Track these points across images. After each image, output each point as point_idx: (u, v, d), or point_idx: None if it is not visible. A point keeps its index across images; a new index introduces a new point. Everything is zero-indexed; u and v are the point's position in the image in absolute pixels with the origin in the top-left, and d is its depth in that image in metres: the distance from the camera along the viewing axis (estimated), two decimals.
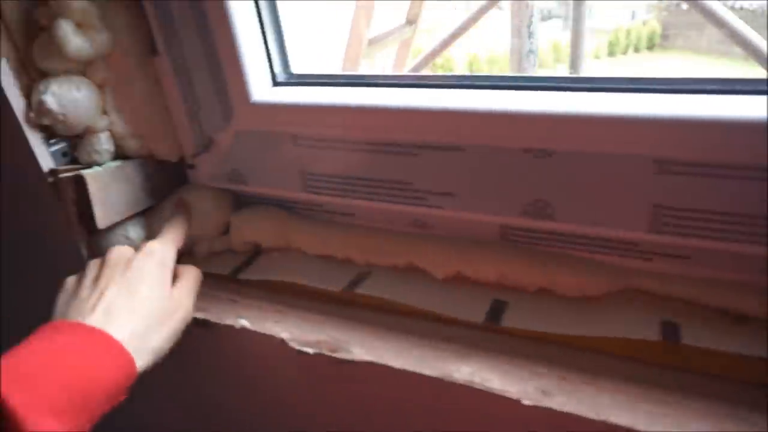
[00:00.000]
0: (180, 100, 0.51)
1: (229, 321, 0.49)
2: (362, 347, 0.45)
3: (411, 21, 1.73)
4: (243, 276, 0.53)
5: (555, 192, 0.41)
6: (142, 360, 0.40)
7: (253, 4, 0.46)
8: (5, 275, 0.63)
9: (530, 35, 1.32)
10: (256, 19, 0.47)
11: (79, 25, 0.45)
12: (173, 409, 0.59)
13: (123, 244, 0.53)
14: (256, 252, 0.56)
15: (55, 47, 0.45)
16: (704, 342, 0.39)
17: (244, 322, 0.49)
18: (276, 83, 0.50)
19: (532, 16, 1.33)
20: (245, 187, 0.54)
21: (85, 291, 0.43)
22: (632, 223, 0.40)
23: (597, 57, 4.71)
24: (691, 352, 0.39)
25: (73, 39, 0.45)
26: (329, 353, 0.45)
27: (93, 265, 0.45)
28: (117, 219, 0.51)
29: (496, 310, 0.46)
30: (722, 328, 0.40)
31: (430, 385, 0.42)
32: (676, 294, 0.43)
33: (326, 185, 0.50)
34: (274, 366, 0.49)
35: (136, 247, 0.46)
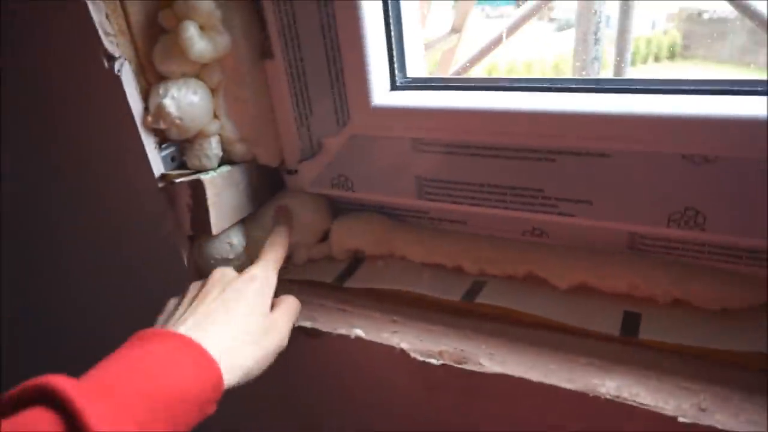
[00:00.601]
0: (291, 104, 0.50)
1: (342, 330, 0.48)
2: (491, 359, 0.43)
3: (456, 29, 1.73)
4: (349, 284, 0.52)
5: (708, 200, 0.40)
6: (231, 375, 0.38)
7: (381, 4, 0.45)
8: (96, 279, 0.61)
9: (596, 42, 1.31)
10: (383, 21, 0.45)
11: (203, 28, 0.44)
12: (278, 422, 0.58)
13: (227, 250, 0.52)
14: (356, 260, 0.55)
15: (178, 49, 0.44)
16: None
17: (359, 332, 0.47)
18: (394, 87, 0.48)
19: (599, 22, 1.32)
20: (351, 194, 0.52)
21: (182, 308, 0.42)
22: None
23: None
24: None
25: (198, 41, 0.44)
26: (456, 365, 0.43)
27: (194, 287, 0.44)
28: (227, 225, 0.50)
29: (631, 322, 0.44)
30: None
31: (571, 401, 0.40)
32: None
33: (444, 192, 0.48)
34: (391, 379, 0.47)
35: (238, 267, 0.45)
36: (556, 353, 0.43)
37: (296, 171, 0.54)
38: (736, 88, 0.39)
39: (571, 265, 0.47)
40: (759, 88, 0.38)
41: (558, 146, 0.42)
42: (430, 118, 0.46)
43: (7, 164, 0.58)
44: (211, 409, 0.37)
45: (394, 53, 0.47)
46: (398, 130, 0.47)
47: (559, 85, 0.44)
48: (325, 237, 0.56)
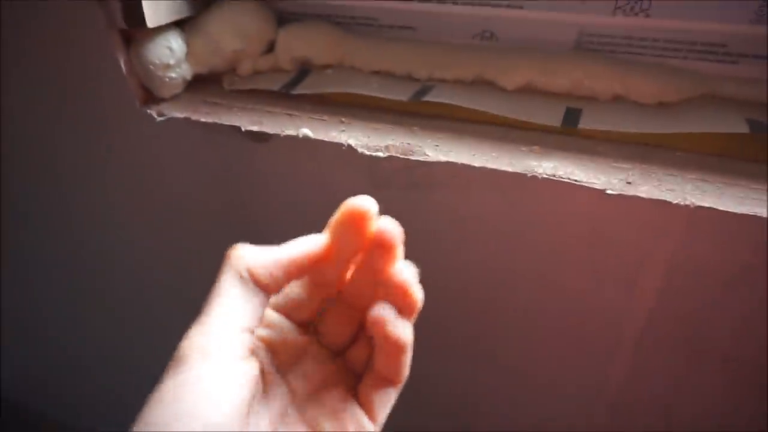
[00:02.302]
0: None
1: (290, 131, 0.47)
2: (436, 150, 0.44)
3: None
4: (297, 91, 0.51)
5: None
6: None
7: None
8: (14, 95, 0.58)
9: None
10: None
11: None
12: (222, 233, 0.58)
13: (167, 55, 0.49)
14: (304, 70, 0.53)
15: None
16: None
17: (307, 132, 0.47)
18: None
19: None
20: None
21: None
22: (736, 14, 0.39)
23: None
24: None
25: None
26: (402, 156, 0.44)
27: None
28: (164, 21, 0.47)
29: (572, 115, 0.45)
30: None
31: (510, 183, 0.42)
32: (760, 98, 0.43)
33: None
34: (339, 177, 0.48)
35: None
36: (500, 143, 0.44)
37: None
38: None
39: (518, 66, 0.47)
40: None
41: None
42: None
43: None
44: None
45: None
46: None
47: None
48: (271, 48, 0.54)
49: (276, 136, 0.47)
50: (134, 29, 0.46)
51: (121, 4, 0.44)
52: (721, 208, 0.37)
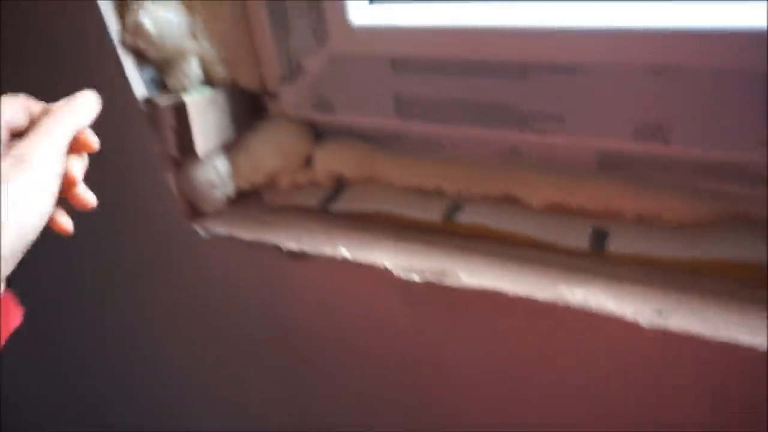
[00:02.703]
0: (268, 22, 0.49)
1: (327, 252, 0.49)
2: (469, 274, 0.46)
3: None
4: (333, 208, 0.53)
5: (672, 112, 0.41)
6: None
7: None
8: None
9: None
10: None
11: None
12: (262, 347, 0.60)
13: (213, 176, 0.52)
14: (340, 184, 0.56)
15: None
16: None
17: (345, 252, 0.49)
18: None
19: None
20: (332, 117, 0.53)
21: None
22: (751, 142, 0.40)
23: None
24: None
25: None
26: (437, 280, 0.46)
27: None
28: (212, 147, 0.50)
29: (599, 237, 0.46)
30: None
31: (543, 311, 0.43)
32: None
33: (422, 110, 0.49)
34: (375, 298, 0.50)
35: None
36: (530, 267, 0.46)
37: (277, 94, 0.54)
38: None
39: (544, 185, 0.49)
40: None
41: (530, 60, 0.43)
42: (408, 36, 0.46)
43: None
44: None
45: None
46: (377, 48, 0.47)
47: None
48: (308, 163, 0.56)
49: (315, 256, 0.50)
50: (185, 157, 0.49)
51: (175, 136, 0.48)
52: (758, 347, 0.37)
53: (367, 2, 0.47)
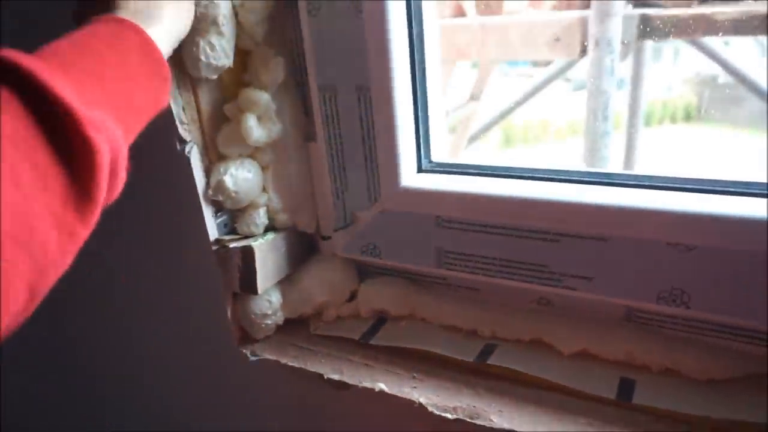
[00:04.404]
0: (329, 181, 0.57)
1: (366, 384, 0.53)
2: (500, 416, 0.49)
3: (475, 97, 1.84)
4: (374, 341, 0.58)
5: (693, 283, 0.45)
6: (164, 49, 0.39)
7: (412, 101, 0.53)
8: (146, 327, 0.68)
9: (605, 119, 1.41)
10: (413, 114, 0.53)
11: (260, 118, 0.52)
12: None
13: (267, 307, 0.58)
14: (380, 319, 0.61)
15: (239, 135, 0.52)
16: None
17: (382, 386, 0.53)
18: (420, 170, 0.56)
19: (608, 100, 1.42)
20: (377, 260, 0.59)
21: None
22: (760, 312, 0.44)
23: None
24: None
25: (257, 130, 0.52)
26: (468, 419, 0.49)
27: None
28: (269, 286, 0.57)
29: (626, 387, 0.49)
30: None
31: None
32: None
33: (461, 263, 0.55)
34: (409, 431, 0.53)
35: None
36: (558, 413, 0.48)
37: (330, 237, 0.61)
38: (719, 189, 0.46)
39: (574, 334, 0.53)
40: (747, 190, 0.45)
41: (563, 230, 0.49)
42: (450, 200, 0.53)
43: None
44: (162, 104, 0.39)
45: (421, 141, 0.55)
46: (423, 208, 0.54)
47: (569, 177, 0.51)
48: (352, 297, 0.62)
49: (354, 386, 0.54)
50: (245, 293, 0.56)
51: (239, 275, 0.54)
52: None
53: (416, 172, 0.55)
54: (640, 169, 0.50)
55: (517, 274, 0.53)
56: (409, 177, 0.55)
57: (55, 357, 0.81)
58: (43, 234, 0.28)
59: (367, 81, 0.52)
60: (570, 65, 1.88)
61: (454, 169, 0.56)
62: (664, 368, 0.50)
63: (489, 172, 0.54)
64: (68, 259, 0.30)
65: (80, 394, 0.83)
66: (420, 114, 0.54)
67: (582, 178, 0.51)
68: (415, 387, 0.53)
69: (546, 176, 0.52)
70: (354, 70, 0.52)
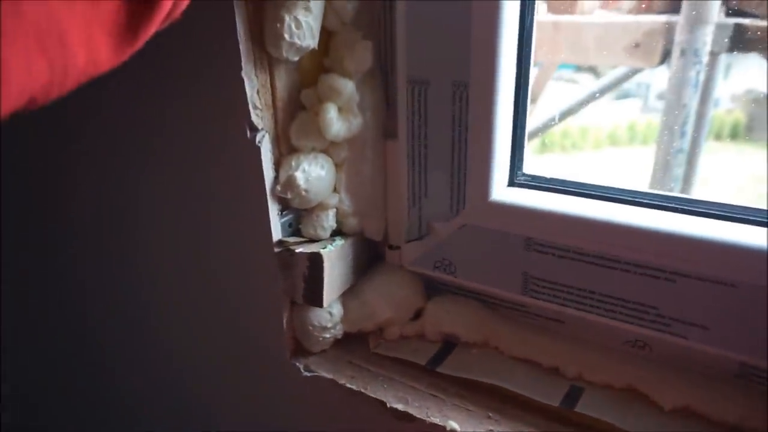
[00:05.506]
0: (407, 184, 0.51)
1: (436, 420, 0.47)
2: None
3: (533, 99, 1.75)
4: (442, 369, 0.52)
5: None
6: None
7: (513, 98, 0.46)
8: (194, 335, 0.63)
9: (682, 135, 1.32)
10: (512, 118, 0.47)
11: (341, 110, 0.46)
12: None
13: (327, 319, 0.53)
14: (447, 343, 0.55)
15: (315, 127, 0.46)
16: None
17: (455, 426, 0.47)
18: (512, 183, 0.49)
19: (687, 116, 1.33)
20: (451, 278, 0.53)
21: None
22: None
23: None
24: None
25: (336, 122, 0.46)
26: None
27: None
28: (334, 298, 0.51)
29: None
30: None
31: None
32: None
33: (550, 292, 0.48)
34: None
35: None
36: None
37: (399, 247, 0.55)
38: None
39: (676, 386, 0.46)
40: None
41: (682, 269, 0.42)
42: (546, 221, 0.46)
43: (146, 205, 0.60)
44: None
45: (516, 151, 0.49)
46: (512, 227, 0.48)
47: (683, 206, 0.44)
48: (417, 315, 0.56)
49: (421, 420, 0.48)
50: (309, 305, 0.50)
51: (304, 285, 0.49)
52: None
53: (506, 185, 0.49)
54: (750, 203, 0.43)
55: (617, 312, 0.46)
56: (500, 190, 0.48)
57: (91, 362, 0.77)
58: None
59: (467, 76, 0.45)
60: (632, 73, 1.78)
61: (551, 185, 0.49)
62: None
63: (590, 192, 0.48)
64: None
65: (112, 399, 0.79)
66: (519, 119, 0.48)
67: (707, 210, 0.44)
68: (491, 429, 0.47)
69: (662, 204, 0.44)
70: (452, 63, 0.45)
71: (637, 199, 0.46)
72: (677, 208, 0.44)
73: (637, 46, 1.37)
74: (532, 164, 0.51)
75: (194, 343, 0.63)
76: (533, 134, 2.09)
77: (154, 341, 0.68)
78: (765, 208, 0.42)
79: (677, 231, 0.42)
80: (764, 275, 0.39)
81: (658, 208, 0.45)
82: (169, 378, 0.69)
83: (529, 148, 0.51)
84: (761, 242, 0.40)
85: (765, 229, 0.41)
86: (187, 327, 0.63)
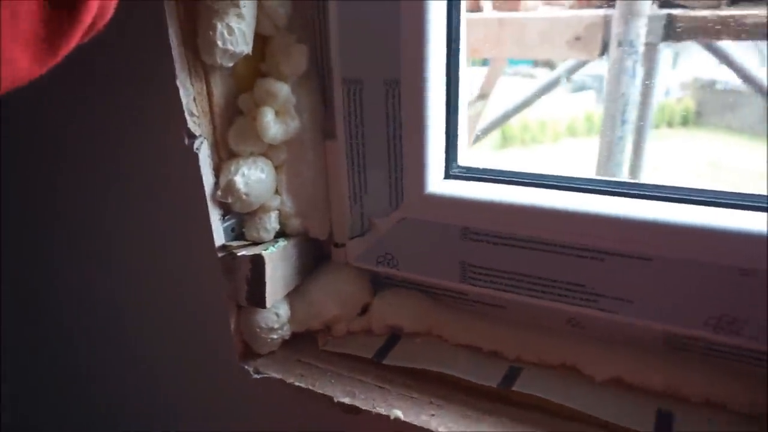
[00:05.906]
0: (347, 183, 0.53)
1: (381, 410, 0.49)
2: None
3: (483, 96, 1.79)
4: (388, 361, 0.53)
5: (746, 310, 0.42)
6: None
7: (445, 97, 0.48)
8: (149, 338, 0.63)
9: (623, 123, 1.37)
10: (444, 113, 0.49)
11: (278, 113, 0.48)
12: None
13: (274, 320, 0.54)
14: (394, 335, 0.57)
15: (253, 131, 0.47)
16: None
17: (398, 414, 0.48)
18: (448, 175, 0.51)
19: (626, 104, 1.38)
20: (394, 271, 0.55)
21: None
22: None
23: None
24: None
25: (274, 125, 0.47)
26: None
27: None
28: (278, 299, 0.52)
29: (664, 420, 0.45)
30: None
31: None
32: None
33: (487, 278, 0.51)
34: None
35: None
36: None
37: (343, 245, 0.56)
38: None
39: (607, 359, 0.49)
40: None
41: (605, 247, 0.45)
42: (480, 210, 0.49)
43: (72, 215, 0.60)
44: None
45: (450, 144, 0.51)
46: (449, 218, 0.50)
47: (610, 188, 0.47)
48: (364, 310, 0.58)
49: (367, 412, 0.49)
50: (252, 306, 0.51)
51: (247, 287, 0.50)
52: None
53: (442, 178, 0.51)
54: (670, 181, 0.46)
55: (550, 293, 0.49)
56: (436, 182, 0.51)
57: (53, 359, 0.76)
58: None
59: (398, 74, 0.47)
60: (580, 65, 1.84)
61: (484, 176, 0.51)
62: (706, 400, 0.46)
63: (523, 179, 0.50)
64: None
65: (75, 399, 0.78)
66: (451, 114, 0.50)
67: (629, 191, 0.47)
68: (433, 415, 0.49)
69: (588, 187, 0.47)
70: (384, 62, 0.47)
71: (564, 184, 0.49)
72: (600, 190, 0.47)
73: (578, 39, 1.43)
74: (490, 159, 0.53)
75: (155, 348, 0.63)
76: (489, 129, 2.15)
77: (126, 345, 0.67)
78: (680, 185, 0.45)
79: (600, 211, 0.45)
80: (680, 248, 0.42)
81: (585, 191, 0.47)
82: (137, 380, 0.69)
83: (489, 143, 0.53)
84: (679, 218, 0.43)
85: (677, 204, 0.44)
86: (149, 331, 0.63)
